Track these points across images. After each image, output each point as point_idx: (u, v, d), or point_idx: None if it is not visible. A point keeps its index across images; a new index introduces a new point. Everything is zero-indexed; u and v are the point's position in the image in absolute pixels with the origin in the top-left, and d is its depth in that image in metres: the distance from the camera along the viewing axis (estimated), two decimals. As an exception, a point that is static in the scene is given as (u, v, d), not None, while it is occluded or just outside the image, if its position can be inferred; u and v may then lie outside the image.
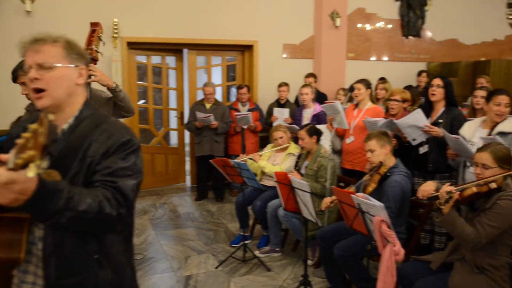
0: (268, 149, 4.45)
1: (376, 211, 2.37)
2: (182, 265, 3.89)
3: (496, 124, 3.16)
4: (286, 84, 5.94)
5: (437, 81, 3.61)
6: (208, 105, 5.89)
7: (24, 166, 1.00)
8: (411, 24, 7.44)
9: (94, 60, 2.61)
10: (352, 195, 2.52)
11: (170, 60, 6.83)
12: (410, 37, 7.51)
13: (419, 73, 6.85)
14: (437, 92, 3.59)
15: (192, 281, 3.58)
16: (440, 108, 3.63)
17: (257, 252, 4.08)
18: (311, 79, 5.96)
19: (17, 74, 2.83)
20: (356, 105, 4.45)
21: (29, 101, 2.72)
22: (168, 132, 7.29)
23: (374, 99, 4.66)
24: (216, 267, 3.83)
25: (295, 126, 5.04)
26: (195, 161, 6.38)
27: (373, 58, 7.33)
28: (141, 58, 6.35)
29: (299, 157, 4.08)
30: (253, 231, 4.53)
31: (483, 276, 2.35)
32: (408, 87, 5.16)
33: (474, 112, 4.05)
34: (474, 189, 2.32)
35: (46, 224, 1.32)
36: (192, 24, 6.17)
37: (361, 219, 2.52)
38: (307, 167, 3.89)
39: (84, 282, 1.40)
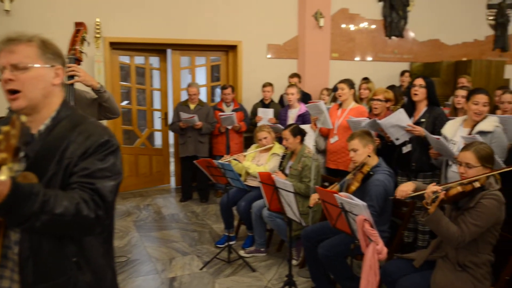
0: (252, 150, 4.45)
1: (359, 210, 2.37)
2: (167, 267, 3.85)
3: (476, 123, 3.20)
4: (270, 84, 5.95)
5: (419, 81, 3.65)
6: (192, 106, 5.86)
7: None
8: (394, 24, 7.52)
9: (78, 61, 2.57)
10: (335, 195, 2.53)
11: (154, 60, 6.77)
12: (393, 38, 7.58)
13: (402, 73, 6.91)
14: (419, 92, 3.62)
15: (176, 283, 3.55)
16: (422, 108, 3.67)
17: (242, 253, 4.07)
18: (295, 79, 5.98)
19: None
20: (340, 105, 4.48)
21: None
22: (152, 133, 7.22)
23: (358, 99, 4.69)
24: (201, 269, 3.80)
25: (279, 125, 5.04)
26: (179, 162, 6.34)
27: (357, 58, 7.38)
28: (124, 59, 6.28)
29: (283, 157, 4.08)
30: (238, 232, 4.52)
31: (465, 274, 2.39)
32: (391, 87, 5.20)
33: (455, 112, 4.11)
34: (459, 189, 2.35)
35: (21, 228, 1.29)
36: (175, 24, 6.13)
37: (344, 218, 2.53)
38: (291, 167, 3.90)
39: (63, 286, 1.37)
